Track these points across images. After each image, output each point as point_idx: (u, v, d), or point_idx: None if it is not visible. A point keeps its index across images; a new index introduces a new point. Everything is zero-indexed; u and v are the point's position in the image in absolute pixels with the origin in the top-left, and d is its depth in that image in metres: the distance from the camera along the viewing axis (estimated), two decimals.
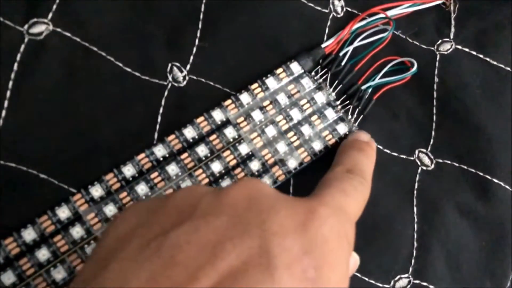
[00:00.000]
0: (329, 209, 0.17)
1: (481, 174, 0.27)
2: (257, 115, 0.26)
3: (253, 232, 0.15)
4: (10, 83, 0.23)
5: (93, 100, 0.24)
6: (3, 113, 0.23)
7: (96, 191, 0.23)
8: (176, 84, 0.25)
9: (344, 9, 0.29)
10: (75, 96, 0.24)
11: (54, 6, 0.24)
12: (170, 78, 0.25)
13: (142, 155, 0.24)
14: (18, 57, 0.23)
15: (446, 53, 0.29)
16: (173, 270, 0.14)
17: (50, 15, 0.24)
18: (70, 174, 0.23)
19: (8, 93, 0.23)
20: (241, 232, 0.15)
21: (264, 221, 0.15)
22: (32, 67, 0.24)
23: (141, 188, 0.23)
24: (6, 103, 0.23)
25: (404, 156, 0.27)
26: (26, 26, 0.24)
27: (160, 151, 0.24)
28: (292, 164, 0.26)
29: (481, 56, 0.29)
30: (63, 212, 0.22)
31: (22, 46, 0.24)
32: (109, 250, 0.16)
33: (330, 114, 0.27)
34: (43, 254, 0.22)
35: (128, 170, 0.24)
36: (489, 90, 0.28)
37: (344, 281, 0.16)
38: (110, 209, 0.23)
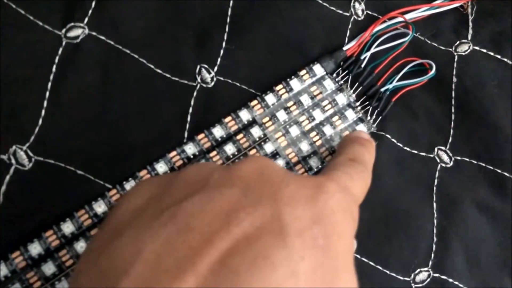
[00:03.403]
0: (336, 185, 0.17)
1: (499, 171, 0.28)
2: (281, 115, 0.27)
3: (265, 201, 0.15)
4: (49, 84, 0.24)
5: (126, 100, 0.25)
6: (43, 112, 0.24)
7: (131, 186, 0.24)
8: (204, 85, 0.27)
9: (365, 13, 0.30)
10: (109, 97, 0.25)
11: (90, 11, 0.25)
12: (198, 79, 0.27)
13: (174, 152, 0.25)
14: (56, 59, 0.25)
15: (464, 54, 0.30)
16: (188, 235, 0.14)
17: (86, 19, 0.25)
18: (106, 170, 0.24)
19: (47, 94, 0.24)
20: (253, 202, 0.15)
21: (275, 192, 0.16)
22: (69, 69, 0.25)
23: None
24: (45, 103, 0.24)
25: (423, 154, 0.28)
26: (63, 30, 0.25)
27: (190, 149, 0.25)
28: (315, 162, 0.27)
29: (499, 56, 0.30)
30: (100, 207, 0.24)
31: (60, 49, 0.25)
32: (122, 221, 0.16)
33: (350, 115, 0.28)
34: (81, 246, 0.23)
35: (161, 167, 0.25)
36: (506, 90, 0.29)
37: (350, 252, 0.16)
38: None
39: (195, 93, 0.26)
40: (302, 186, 0.16)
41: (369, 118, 0.28)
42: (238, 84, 0.27)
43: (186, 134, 0.26)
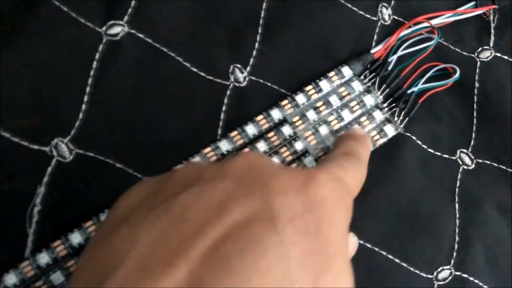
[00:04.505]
0: (328, 175, 0.17)
1: None
2: (311, 115, 0.28)
3: (256, 192, 0.16)
4: (89, 80, 0.25)
5: (164, 96, 0.26)
6: (83, 107, 0.25)
7: None
8: (237, 84, 0.27)
9: (391, 17, 0.31)
10: (147, 93, 0.26)
11: (130, 10, 0.26)
12: (232, 79, 0.27)
13: (209, 148, 0.26)
14: (97, 56, 0.25)
15: (486, 60, 0.31)
16: (181, 225, 0.15)
17: (126, 18, 0.26)
18: (143, 164, 0.25)
19: (88, 89, 0.25)
20: (245, 192, 0.15)
21: (266, 183, 0.16)
22: (109, 66, 0.26)
23: None
24: (86, 98, 0.25)
25: (446, 156, 0.29)
26: (104, 28, 0.26)
27: (224, 145, 0.26)
28: None
29: None
30: None
31: (100, 46, 0.26)
32: (119, 217, 0.16)
33: (378, 115, 0.28)
34: None
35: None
36: None
37: (343, 238, 0.16)
38: None
39: (228, 92, 0.27)
40: (293, 177, 0.17)
41: (396, 119, 0.28)
42: (269, 84, 0.28)
43: (220, 131, 0.27)
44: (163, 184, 0.17)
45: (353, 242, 0.21)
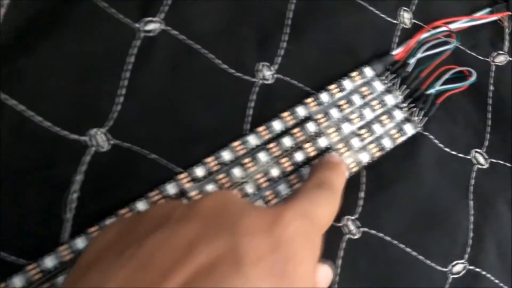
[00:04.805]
0: (295, 213, 0.17)
1: None
2: (334, 113, 0.29)
3: (223, 233, 0.16)
4: (123, 74, 0.26)
5: (195, 91, 0.27)
6: (119, 99, 0.26)
7: (200, 171, 0.26)
8: (264, 82, 0.29)
9: (412, 21, 0.32)
10: (180, 87, 0.27)
11: (166, 8, 0.27)
12: (260, 76, 0.28)
13: (237, 142, 0.27)
14: (134, 51, 0.26)
15: (500, 64, 0.32)
16: (147, 271, 0.15)
17: (162, 15, 0.27)
18: (176, 155, 0.26)
19: (123, 82, 0.26)
20: (212, 234, 0.16)
21: (233, 224, 0.16)
22: (145, 60, 0.27)
23: (237, 171, 0.26)
24: (121, 91, 0.26)
25: (461, 155, 0.31)
26: (140, 24, 0.27)
27: (252, 140, 0.27)
28: (365, 157, 0.29)
29: None
30: (172, 188, 0.25)
31: (137, 42, 0.27)
32: (92, 258, 0.17)
33: (398, 114, 0.30)
34: None
35: (226, 155, 0.27)
36: None
37: (309, 277, 0.17)
38: (210, 187, 0.26)
39: (256, 89, 0.28)
40: (260, 217, 0.17)
41: (415, 118, 0.30)
42: (295, 82, 0.29)
43: (247, 126, 0.28)
44: (132, 226, 0.18)
45: (325, 275, 0.21)
